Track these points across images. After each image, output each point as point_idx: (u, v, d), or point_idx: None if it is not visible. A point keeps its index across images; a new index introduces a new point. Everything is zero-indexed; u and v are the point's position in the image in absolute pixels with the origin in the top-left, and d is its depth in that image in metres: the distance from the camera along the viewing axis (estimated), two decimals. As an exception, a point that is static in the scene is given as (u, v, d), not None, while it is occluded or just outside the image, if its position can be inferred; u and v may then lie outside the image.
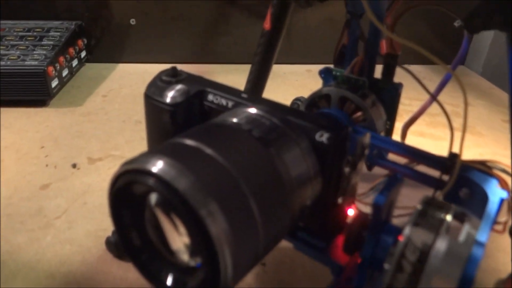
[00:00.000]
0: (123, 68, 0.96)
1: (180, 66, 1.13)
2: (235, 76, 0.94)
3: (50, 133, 0.68)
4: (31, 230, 0.48)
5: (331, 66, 0.42)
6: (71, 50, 0.84)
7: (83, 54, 0.91)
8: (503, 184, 0.30)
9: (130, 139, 0.67)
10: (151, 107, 0.34)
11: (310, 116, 0.30)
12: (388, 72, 0.38)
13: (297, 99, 0.76)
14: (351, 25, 0.37)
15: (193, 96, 0.33)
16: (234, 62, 0.99)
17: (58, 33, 0.83)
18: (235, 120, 0.27)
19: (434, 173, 0.34)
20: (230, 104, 0.32)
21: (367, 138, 0.29)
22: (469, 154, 0.67)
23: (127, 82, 0.88)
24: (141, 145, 0.65)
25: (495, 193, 0.29)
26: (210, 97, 0.33)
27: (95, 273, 0.43)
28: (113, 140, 0.66)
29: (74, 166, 0.59)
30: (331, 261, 0.31)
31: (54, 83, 0.76)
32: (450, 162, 0.32)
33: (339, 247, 0.31)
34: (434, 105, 0.42)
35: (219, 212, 0.21)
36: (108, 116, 0.74)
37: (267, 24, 0.46)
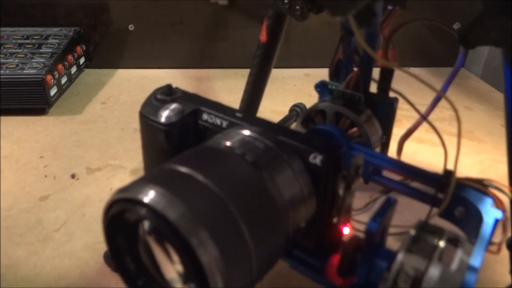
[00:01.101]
0: (122, 74, 0.96)
1: (178, 71, 1.13)
2: (234, 81, 0.94)
3: (49, 142, 0.68)
4: (30, 243, 0.48)
5: (327, 80, 0.41)
6: (69, 57, 0.84)
7: (82, 60, 0.91)
8: (499, 204, 0.30)
9: (129, 148, 0.67)
10: (146, 126, 0.34)
11: (304, 136, 0.30)
12: (384, 87, 0.38)
13: (295, 105, 0.76)
14: (346, 40, 0.37)
15: (188, 116, 0.33)
16: (233, 67, 0.99)
17: (57, 40, 0.83)
18: (228, 143, 0.27)
19: (429, 189, 0.34)
20: (224, 124, 0.32)
21: (360, 159, 0.29)
22: (468, 161, 0.67)
23: (126, 88, 0.88)
24: (138, 154, 0.65)
25: (490, 213, 0.29)
26: (205, 116, 0.33)
27: (93, 286, 0.43)
28: (111, 149, 0.66)
29: (73, 176, 0.59)
30: (326, 281, 0.31)
31: (53, 92, 0.76)
32: (445, 179, 0.32)
33: (334, 266, 0.31)
34: (433, 111, 0.42)
35: (210, 240, 0.22)
36: (107, 124, 0.74)
37: (263, 36, 0.46)
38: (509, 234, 0.31)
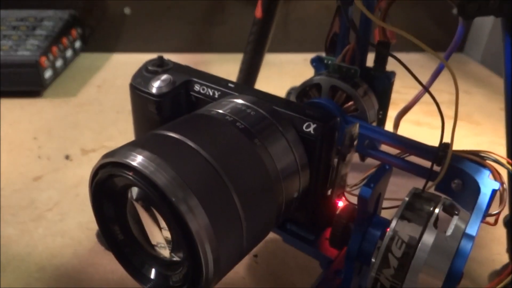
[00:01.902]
0: (117, 58, 0.94)
1: (175, 56, 1.12)
2: (231, 66, 0.93)
3: (43, 124, 0.67)
4: (22, 223, 0.47)
5: (323, 54, 0.41)
6: (64, 40, 0.83)
7: (77, 44, 0.90)
8: (496, 175, 0.30)
9: (124, 130, 0.66)
10: (137, 97, 0.33)
11: (298, 106, 0.29)
12: (381, 61, 0.37)
13: (293, 88, 0.75)
14: (342, 12, 0.36)
15: (179, 87, 0.32)
16: (229, 51, 0.98)
17: (51, 23, 0.82)
18: (220, 111, 0.27)
19: (426, 163, 0.33)
20: (217, 94, 0.31)
21: (356, 129, 0.29)
22: (466, 143, 0.66)
23: (122, 72, 0.87)
24: (134, 136, 0.64)
25: (487, 184, 0.28)
26: (197, 87, 0.32)
27: (86, 265, 0.42)
28: (106, 131, 0.66)
29: (67, 157, 0.59)
30: (320, 254, 0.30)
31: (48, 74, 0.75)
32: (442, 152, 0.31)
33: (328, 239, 0.31)
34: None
35: (199, 207, 0.21)
36: (102, 107, 0.73)
37: (258, 13, 0.45)
38: (506, 206, 0.31)
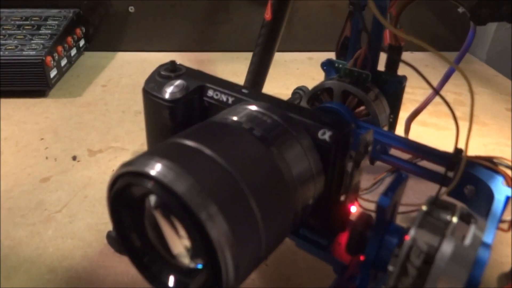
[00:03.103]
0: (122, 57, 0.94)
1: (180, 55, 1.12)
2: (236, 65, 0.93)
3: (49, 124, 0.67)
4: (32, 224, 0.47)
5: (333, 58, 0.41)
6: (69, 39, 0.82)
7: (81, 43, 0.90)
8: (509, 181, 0.30)
9: (130, 130, 0.66)
10: (150, 103, 0.33)
11: (312, 113, 0.29)
12: (392, 65, 0.37)
13: (298, 88, 0.75)
14: (354, 17, 0.36)
15: (192, 92, 0.32)
16: (235, 50, 0.98)
17: (56, 22, 0.82)
18: (235, 118, 0.27)
19: (438, 168, 0.34)
20: (230, 100, 0.31)
21: (370, 135, 0.29)
22: (472, 144, 0.66)
23: (127, 71, 0.87)
24: (140, 136, 0.64)
25: (501, 191, 0.29)
26: (210, 92, 0.32)
27: (96, 267, 0.42)
28: (113, 132, 0.66)
29: (74, 158, 0.59)
30: (333, 259, 0.30)
31: (53, 73, 0.75)
32: (455, 158, 0.31)
33: (341, 245, 0.31)
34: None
35: (219, 214, 0.21)
36: (108, 107, 0.73)
37: (267, 15, 0.45)
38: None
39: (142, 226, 0.25)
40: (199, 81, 0.33)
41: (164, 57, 0.96)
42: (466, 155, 0.32)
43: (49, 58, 0.72)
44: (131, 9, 0.93)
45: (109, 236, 0.44)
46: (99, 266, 0.43)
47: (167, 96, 0.32)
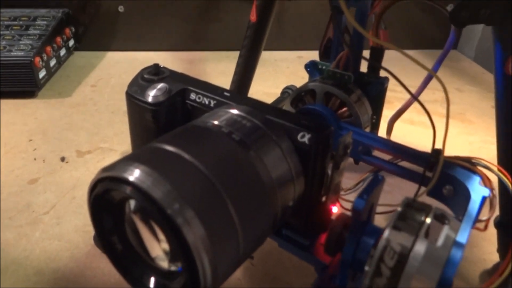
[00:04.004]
0: (112, 57, 0.94)
1: (170, 54, 1.11)
2: (226, 64, 0.93)
3: (38, 125, 0.67)
4: (19, 226, 0.48)
5: (317, 59, 0.41)
6: (58, 39, 0.82)
7: (71, 42, 0.90)
8: (486, 182, 0.30)
9: (119, 131, 0.66)
10: (133, 106, 0.34)
11: (292, 115, 0.29)
12: (374, 67, 0.38)
13: (287, 87, 0.76)
14: (336, 19, 0.36)
15: (175, 95, 0.33)
16: (225, 49, 0.98)
17: (45, 22, 0.82)
18: (216, 122, 0.27)
19: (419, 169, 0.34)
20: (212, 103, 0.31)
21: (349, 138, 0.29)
22: (459, 142, 0.67)
23: (116, 71, 0.87)
24: (129, 137, 0.64)
25: (478, 191, 0.29)
26: (193, 95, 0.32)
27: (83, 268, 0.43)
28: (101, 132, 0.66)
29: (62, 159, 0.59)
30: (314, 259, 0.31)
31: (42, 74, 0.75)
32: (434, 158, 0.32)
33: (323, 245, 0.31)
34: (425, 92, 0.42)
35: (196, 219, 0.21)
36: (97, 107, 0.73)
37: (253, 16, 0.45)
38: (496, 212, 0.31)
39: (123, 230, 0.26)
40: (181, 84, 0.33)
41: (154, 57, 0.97)
42: (445, 156, 0.32)
43: (37, 59, 0.72)
44: (121, 8, 0.93)
45: (96, 237, 0.44)
46: (86, 267, 0.43)
47: (150, 99, 0.32)
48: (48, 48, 0.77)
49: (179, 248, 0.21)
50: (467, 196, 0.30)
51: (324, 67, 0.40)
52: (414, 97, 0.29)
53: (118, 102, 0.75)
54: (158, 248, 0.24)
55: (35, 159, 0.59)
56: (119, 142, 0.64)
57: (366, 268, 0.25)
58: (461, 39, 1.03)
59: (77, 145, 0.62)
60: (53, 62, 0.80)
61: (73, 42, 0.91)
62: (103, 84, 0.82)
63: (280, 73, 0.89)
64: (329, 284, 0.29)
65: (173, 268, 0.24)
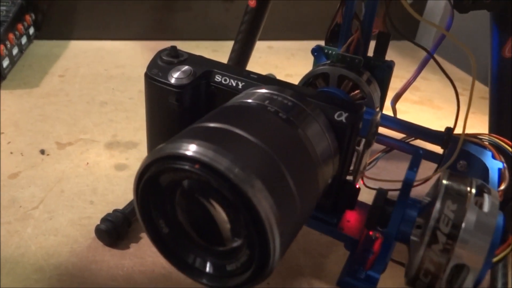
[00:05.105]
0: (76, 46, 0.90)
1: (138, 43, 1.08)
2: (197, 53, 0.92)
3: (8, 117, 0.63)
4: (7, 223, 0.44)
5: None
6: (20, 26, 0.77)
7: (31, 30, 0.84)
8: (497, 156, 0.33)
9: (98, 122, 0.64)
10: (154, 88, 0.33)
11: (324, 95, 0.30)
12: (381, 50, 0.39)
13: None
14: (347, 5, 0.37)
15: (200, 77, 0.32)
16: (194, 39, 0.97)
17: (5, 8, 0.76)
18: (259, 101, 0.27)
19: (431, 146, 0.36)
20: (240, 85, 0.31)
21: (378, 117, 0.30)
22: (432, 126, 0.71)
23: (84, 61, 0.83)
24: (110, 128, 0.62)
25: (493, 164, 0.31)
26: (218, 77, 0.32)
27: (87, 263, 0.41)
28: (80, 123, 0.63)
29: (42, 152, 0.55)
30: (344, 236, 0.32)
31: (5, 63, 0.70)
32: (447, 136, 0.34)
33: (350, 222, 0.32)
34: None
35: (265, 190, 0.21)
36: (70, 98, 0.69)
37: (252, 1, 0.45)
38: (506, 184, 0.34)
39: (171, 213, 0.25)
40: (205, 66, 0.32)
41: (121, 46, 0.93)
42: (454, 133, 0.34)
43: (2, 47, 0.67)
44: (85, -5, 0.88)
45: (98, 229, 0.42)
46: (90, 261, 0.41)
47: (173, 81, 0.31)
48: (11, 36, 0.72)
49: (249, 221, 0.21)
50: (483, 169, 0.32)
51: (330, 52, 0.41)
52: (430, 54, 0.31)
53: (92, 91, 0.72)
54: (219, 226, 0.23)
55: (11, 152, 0.55)
56: (100, 133, 0.61)
57: (413, 238, 0.26)
58: (420, 30, 1.08)
59: (55, 137, 0.59)
60: (15, 51, 0.75)
61: (33, 30, 0.85)
62: (71, 74, 0.78)
63: (255, 63, 0.89)
64: (365, 258, 0.30)
65: (229, 246, 0.24)
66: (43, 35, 0.89)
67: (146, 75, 0.33)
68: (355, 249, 0.31)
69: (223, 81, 0.32)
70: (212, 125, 0.24)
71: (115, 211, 0.44)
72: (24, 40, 0.80)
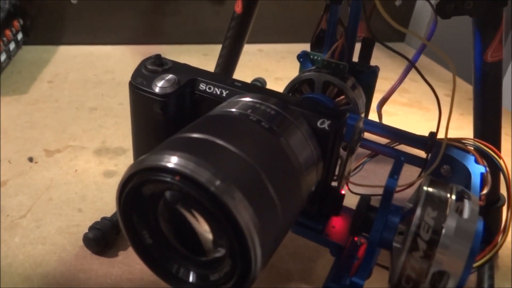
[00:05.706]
0: (65, 51, 0.89)
1: (127, 48, 1.08)
2: (187, 58, 0.92)
3: (-4, 124, 0.62)
4: (-5, 232, 0.44)
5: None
6: (7, 32, 0.77)
7: (19, 36, 0.84)
8: (480, 160, 0.33)
9: (87, 128, 0.63)
10: (138, 97, 0.33)
11: (308, 103, 0.30)
12: (366, 56, 0.40)
13: (256, 80, 0.76)
14: (331, 11, 0.37)
15: (184, 86, 0.32)
16: (185, 43, 0.97)
17: (-8, 14, 0.76)
18: (241, 110, 0.27)
19: (415, 151, 0.36)
20: (224, 93, 0.31)
21: (361, 123, 0.30)
22: (419, 128, 0.71)
23: (73, 66, 0.83)
24: (99, 134, 0.62)
25: (476, 168, 0.32)
26: (202, 86, 0.32)
27: (75, 271, 0.41)
28: (68, 130, 0.63)
29: (30, 160, 0.55)
30: (330, 242, 0.32)
31: (-7, 70, 0.70)
32: (431, 141, 0.34)
33: (336, 228, 0.33)
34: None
35: (245, 201, 0.21)
36: (59, 104, 0.69)
37: (238, 8, 0.45)
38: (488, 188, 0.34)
39: (154, 223, 0.25)
40: (189, 74, 0.33)
41: (111, 51, 0.93)
42: (438, 138, 0.35)
43: (-11, 53, 0.67)
44: (74, 0, 0.88)
45: (86, 238, 0.42)
46: (78, 270, 0.41)
47: (157, 90, 0.32)
48: (-1, 42, 0.72)
49: (229, 232, 0.21)
50: (466, 174, 0.32)
51: (315, 57, 0.41)
52: (412, 64, 0.31)
53: (81, 97, 0.72)
54: (206, 237, 0.23)
55: (-1, 160, 0.55)
56: (89, 140, 0.61)
57: (395, 244, 0.26)
58: (408, 34, 1.09)
59: (44, 144, 0.59)
60: (3, 57, 0.75)
61: (22, 35, 0.85)
62: (60, 80, 0.77)
63: (244, 66, 0.89)
64: (349, 264, 0.30)
65: (212, 257, 0.24)
66: (31, 40, 0.89)
67: (130, 84, 0.33)
68: (341, 255, 0.31)
69: (207, 89, 0.32)
70: (194, 135, 0.24)
71: (103, 218, 0.44)
72: (12, 46, 0.80)
